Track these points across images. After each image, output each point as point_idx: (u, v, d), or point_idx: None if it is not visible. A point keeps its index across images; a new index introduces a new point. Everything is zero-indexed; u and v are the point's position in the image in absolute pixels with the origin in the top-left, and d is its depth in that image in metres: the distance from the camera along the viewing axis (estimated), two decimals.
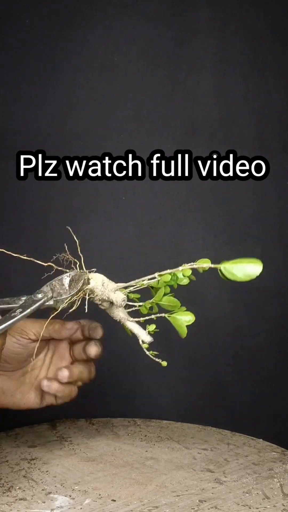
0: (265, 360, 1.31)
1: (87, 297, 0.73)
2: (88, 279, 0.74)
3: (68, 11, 1.24)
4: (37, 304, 0.74)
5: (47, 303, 0.74)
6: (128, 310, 0.78)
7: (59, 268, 0.74)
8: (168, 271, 0.75)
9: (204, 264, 0.73)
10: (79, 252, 0.76)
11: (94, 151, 1.26)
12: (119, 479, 0.78)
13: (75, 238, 0.75)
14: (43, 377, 0.83)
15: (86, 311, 0.75)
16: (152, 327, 0.75)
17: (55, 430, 0.95)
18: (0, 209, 1.24)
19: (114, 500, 0.72)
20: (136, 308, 0.77)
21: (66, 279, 0.74)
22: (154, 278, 0.76)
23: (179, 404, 1.29)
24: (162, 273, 0.75)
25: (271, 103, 1.30)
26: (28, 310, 0.73)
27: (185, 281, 0.75)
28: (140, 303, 0.76)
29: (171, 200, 1.28)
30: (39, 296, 0.74)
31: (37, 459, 0.84)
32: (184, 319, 0.75)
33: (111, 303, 0.76)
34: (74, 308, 0.74)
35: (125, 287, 0.76)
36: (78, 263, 0.76)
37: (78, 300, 0.74)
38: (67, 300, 0.73)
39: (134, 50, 1.26)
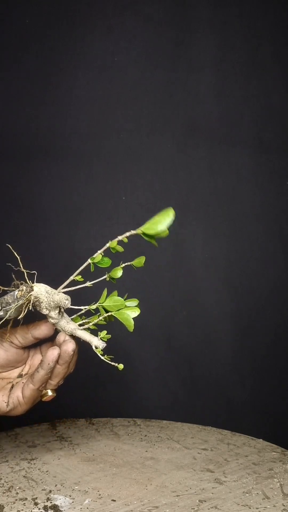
0: (265, 360, 1.31)
1: (31, 304, 0.76)
2: (31, 286, 0.76)
3: (68, 11, 1.24)
4: None
5: None
6: (79, 314, 0.80)
7: (5, 289, 0.77)
8: (98, 252, 0.78)
9: (127, 233, 0.76)
10: (22, 268, 0.80)
11: (94, 150, 1.26)
12: (119, 479, 0.78)
13: (15, 255, 0.78)
14: (13, 378, 0.83)
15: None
16: (103, 333, 0.76)
17: (55, 430, 0.95)
18: (1, 210, 1.24)
19: (114, 500, 0.72)
20: (82, 311, 0.78)
21: (15, 292, 0.77)
22: (88, 263, 0.77)
23: (179, 404, 1.29)
24: (94, 256, 0.77)
25: (271, 103, 1.30)
26: None
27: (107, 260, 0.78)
28: (85, 306, 0.78)
29: (171, 200, 1.28)
30: None
31: (37, 459, 0.84)
32: (130, 314, 0.76)
33: (60, 313, 0.77)
34: (21, 315, 0.76)
35: (65, 287, 0.78)
36: (21, 282, 0.78)
37: (25, 308, 0.76)
38: (15, 307, 0.76)
39: (134, 50, 1.27)
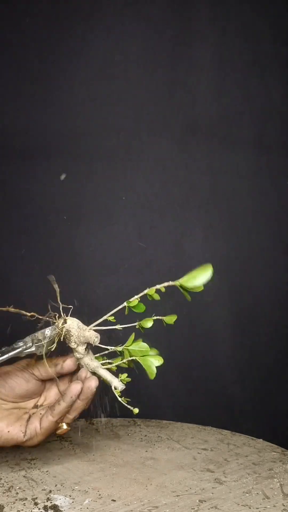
0: (265, 360, 1.31)
1: (62, 337, 0.79)
2: (65, 319, 0.78)
3: (68, 11, 1.24)
4: (16, 351, 0.79)
5: (26, 351, 0.79)
6: (102, 354, 0.82)
7: (40, 317, 0.80)
8: (136, 296, 0.80)
9: (165, 284, 0.80)
10: (59, 301, 0.81)
11: (94, 150, 1.26)
12: (119, 479, 0.78)
13: (55, 287, 0.79)
14: (29, 408, 0.84)
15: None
16: (124, 376, 0.79)
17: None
18: (1, 210, 1.24)
19: (114, 500, 0.72)
20: (109, 351, 0.81)
21: (48, 331, 0.79)
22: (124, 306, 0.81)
23: (179, 404, 1.29)
24: (130, 300, 0.80)
25: (271, 103, 1.30)
26: (5, 356, 0.78)
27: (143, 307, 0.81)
28: (112, 347, 0.80)
29: (171, 199, 1.28)
30: (20, 344, 0.80)
31: (37, 459, 0.84)
32: (153, 362, 0.80)
33: (86, 349, 0.79)
34: (53, 346, 0.79)
35: (98, 325, 0.81)
36: (57, 314, 0.80)
37: (57, 339, 0.79)
38: (46, 344, 0.79)
39: (134, 50, 1.27)
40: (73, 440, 0.92)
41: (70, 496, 0.73)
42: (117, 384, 0.78)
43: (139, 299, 0.80)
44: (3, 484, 0.76)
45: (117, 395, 0.77)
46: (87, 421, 1.00)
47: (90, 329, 0.79)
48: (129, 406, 0.77)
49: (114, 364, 0.81)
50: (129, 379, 0.79)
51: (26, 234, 1.25)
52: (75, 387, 0.78)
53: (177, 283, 0.78)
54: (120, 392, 0.78)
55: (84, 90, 1.25)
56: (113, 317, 0.81)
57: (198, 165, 1.29)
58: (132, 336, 0.80)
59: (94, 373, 0.80)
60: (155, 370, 0.79)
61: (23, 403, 0.84)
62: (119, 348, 0.80)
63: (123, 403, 0.77)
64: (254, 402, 1.31)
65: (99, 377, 0.80)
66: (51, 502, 0.71)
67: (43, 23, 1.24)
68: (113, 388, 0.78)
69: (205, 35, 1.27)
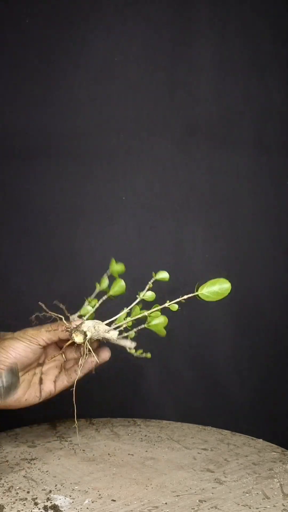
0: (265, 360, 1.31)
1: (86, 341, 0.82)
2: (79, 328, 0.83)
3: (68, 11, 1.24)
4: None
5: None
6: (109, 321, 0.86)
7: (50, 313, 0.83)
8: (156, 309, 0.85)
9: (185, 296, 0.83)
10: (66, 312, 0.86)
11: (94, 150, 1.26)
12: (119, 479, 0.78)
13: (65, 312, 0.85)
14: (39, 372, 0.87)
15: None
16: (132, 334, 0.85)
17: (55, 430, 0.95)
18: (1, 210, 1.24)
19: (114, 500, 0.72)
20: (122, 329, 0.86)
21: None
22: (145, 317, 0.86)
23: (179, 404, 1.29)
24: (150, 311, 0.85)
25: (271, 103, 1.30)
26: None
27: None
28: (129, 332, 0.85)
29: (171, 200, 1.28)
30: None
31: (37, 459, 0.84)
32: (159, 322, 0.85)
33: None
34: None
35: (113, 322, 0.85)
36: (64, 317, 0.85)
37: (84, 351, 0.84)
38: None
39: (134, 50, 1.27)
40: (73, 440, 0.92)
41: (70, 496, 0.73)
42: (130, 345, 0.85)
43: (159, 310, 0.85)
44: (3, 484, 0.76)
45: (133, 353, 0.84)
46: (87, 421, 1.00)
47: (108, 330, 0.83)
48: (144, 354, 0.85)
49: (127, 334, 0.85)
50: (136, 333, 0.85)
51: (26, 234, 1.25)
52: (92, 361, 0.85)
53: (196, 294, 0.81)
54: (134, 349, 0.84)
55: (84, 90, 1.25)
56: (126, 315, 0.85)
57: (198, 165, 1.29)
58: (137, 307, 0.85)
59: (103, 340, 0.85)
60: (164, 330, 0.85)
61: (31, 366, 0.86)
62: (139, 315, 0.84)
63: (140, 356, 0.85)
64: (254, 402, 1.31)
65: (108, 342, 0.84)
66: (51, 502, 0.71)
67: (43, 23, 1.24)
68: (128, 350, 0.85)
69: (205, 35, 1.27)
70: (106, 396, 1.25)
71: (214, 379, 1.29)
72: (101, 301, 0.87)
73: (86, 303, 0.87)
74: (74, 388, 0.83)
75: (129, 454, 0.87)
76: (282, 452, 0.89)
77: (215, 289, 0.80)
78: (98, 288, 0.87)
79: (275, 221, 1.31)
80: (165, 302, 0.82)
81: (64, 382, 0.86)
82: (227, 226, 1.30)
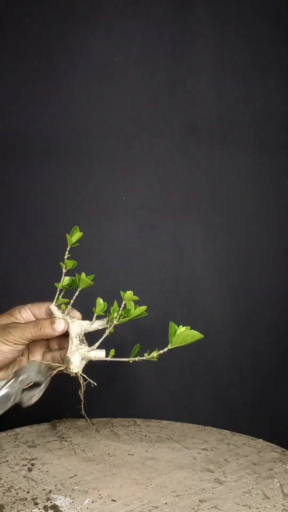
0: (265, 360, 1.31)
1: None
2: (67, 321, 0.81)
3: (68, 11, 1.24)
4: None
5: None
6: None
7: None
8: (134, 358, 0.82)
9: (156, 354, 0.81)
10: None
11: (94, 150, 1.26)
12: (119, 479, 0.78)
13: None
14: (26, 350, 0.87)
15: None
16: (112, 353, 0.82)
17: (55, 430, 0.95)
18: (1, 210, 1.24)
19: (114, 500, 0.72)
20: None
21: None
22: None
23: (179, 404, 1.29)
24: (130, 359, 0.81)
25: (271, 103, 1.30)
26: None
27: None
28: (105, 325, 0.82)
29: (171, 200, 1.28)
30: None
31: (37, 459, 0.84)
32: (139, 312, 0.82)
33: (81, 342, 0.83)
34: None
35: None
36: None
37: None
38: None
39: (134, 50, 1.27)
40: (73, 440, 0.91)
41: (70, 496, 0.73)
42: (102, 354, 0.81)
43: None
44: (3, 484, 0.76)
45: (108, 359, 0.81)
46: (87, 421, 1.00)
47: (92, 349, 0.81)
48: (117, 359, 0.81)
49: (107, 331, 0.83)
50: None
51: (26, 234, 1.25)
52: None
53: (168, 348, 0.81)
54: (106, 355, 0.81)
55: (84, 90, 1.25)
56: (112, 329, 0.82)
57: (198, 165, 1.29)
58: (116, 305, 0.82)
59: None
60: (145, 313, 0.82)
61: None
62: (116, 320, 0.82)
63: (114, 359, 0.81)
64: (254, 402, 1.31)
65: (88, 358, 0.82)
66: (51, 502, 0.71)
67: (43, 23, 1.24)
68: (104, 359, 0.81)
69: (205, 35, 1.27)
70: (106, 396, 1.25)
71: (214, 379, 1.29)
72: (74, 297, 0.85)
73: (58, 291, 0.84)
74: (82, 389, 0.82)
75: (129, 454, 0.87)
76: (282, 452, 0.89)
77: (187, 339, 0.81)
78: (58, 287, 0.86)
79: (275, 221, 1.31)
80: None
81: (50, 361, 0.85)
82: (227, 226, 1.30)
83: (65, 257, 0.86)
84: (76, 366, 0.81)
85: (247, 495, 0.74)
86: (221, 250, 1.29)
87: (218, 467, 0.83)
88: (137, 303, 0.81)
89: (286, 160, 1.30)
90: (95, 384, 0.82)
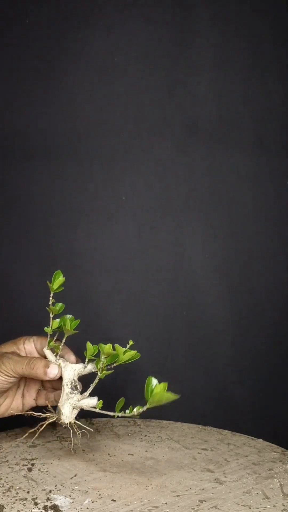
0: (265, 360, 1.31)
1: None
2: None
3: (68, 11, 1.24)
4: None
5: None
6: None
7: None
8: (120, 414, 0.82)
9: (137, 411, 0.82)
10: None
11: (94, 150, 1.26)
12: (119, 479, 0.78)
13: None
14: (23, 384, 0.88)
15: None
16: (100, 404, 0.83)
17: (55, 430, 0.95)
18: (1, 210, 1.24)
19: (114, 500, 0.72)
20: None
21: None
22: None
23: (179, 404, 1.29)
24: (115, 414, 0.82)
25: (271, 103, 1.30)
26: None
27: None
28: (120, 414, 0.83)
29: (171, 200, 1.28)
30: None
31: (37, 459, 0.84)
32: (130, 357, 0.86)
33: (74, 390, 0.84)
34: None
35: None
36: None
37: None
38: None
39: (134, 50, 1.27)
40: (73, 440, 0.92)
41: (70, 496, 0.73)
42: (94, 403, 0.82)
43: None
44: (3, 484, 0.76)
45: (99, 408, 0.82)
46: (87, 421, 1.00)
47: (83, 398, 0.82)
48: (105, 411, 0.81)
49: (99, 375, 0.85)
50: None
51: (26, 234, 1.25)
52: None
53: (145, 407, 0.82)
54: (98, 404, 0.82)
55: (84, 90, 1.25)
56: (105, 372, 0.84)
57: (198, 165, 1.29)
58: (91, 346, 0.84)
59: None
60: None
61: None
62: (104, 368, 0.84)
63: (101, 412, 0.82)
64: (254, 402, 1.31)
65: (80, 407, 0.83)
66: (51, 502, 0.71)
67: (43, 23, 1.24)
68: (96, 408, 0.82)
69: (205, 35, 1.27)
70: (106, 396, 1.25)
71: (214, 379, 1.29)
72: (64, 339, 0.85)
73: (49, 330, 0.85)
74: (78, 436, 0.83)
75: (129, 454, 0.87)
76: (282, 452, 0.89)
77: (163, 399, 0.82)
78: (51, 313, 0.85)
79: (275, 221, 1.31)
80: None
81: (43, 400, 0.87)
82: (227, 226, 1.30)
83: (50, 303, 0.85)
84: (67, 417, 0.82)
85: (247, 495, 0.74)
86: (221, 250, 1.29)
87: (218, 467, 0.83)
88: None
89: (286, 160, 1.30)
90: (91, 430, 0.83)
